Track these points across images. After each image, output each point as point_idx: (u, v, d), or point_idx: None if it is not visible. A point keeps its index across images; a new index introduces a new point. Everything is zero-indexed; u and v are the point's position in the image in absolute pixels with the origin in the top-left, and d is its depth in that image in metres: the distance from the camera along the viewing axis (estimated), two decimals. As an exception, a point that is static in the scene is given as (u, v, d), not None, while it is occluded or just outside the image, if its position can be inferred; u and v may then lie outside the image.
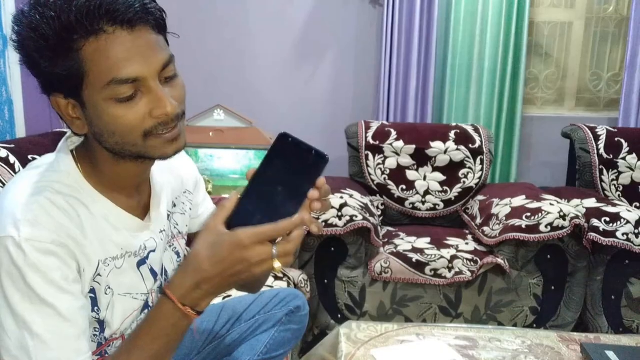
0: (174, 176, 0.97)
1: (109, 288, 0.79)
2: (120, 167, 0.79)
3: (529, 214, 1.96)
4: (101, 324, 0.79)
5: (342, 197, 2.00)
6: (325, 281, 2.00)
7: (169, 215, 0.93)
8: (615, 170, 2.38)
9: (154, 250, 0.87)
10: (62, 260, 0.71)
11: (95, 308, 0.78)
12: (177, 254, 0.96)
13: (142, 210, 0.87)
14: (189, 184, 1.03)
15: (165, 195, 0.92)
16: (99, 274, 0.77)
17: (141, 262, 0.85)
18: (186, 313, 0.69)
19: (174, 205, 0.96)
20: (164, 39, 0.77)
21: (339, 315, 2.01)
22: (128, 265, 0.82)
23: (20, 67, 2.04)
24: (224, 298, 1.58)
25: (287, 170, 0.68)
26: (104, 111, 0.72)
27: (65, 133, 0.84)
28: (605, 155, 2.39)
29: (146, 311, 0.86)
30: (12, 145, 1.53)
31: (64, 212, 0.73)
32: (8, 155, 1.48)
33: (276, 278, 1.77)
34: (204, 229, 0.68)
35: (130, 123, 0.72)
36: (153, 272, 0.87)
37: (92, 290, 0.77)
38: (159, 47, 0.74)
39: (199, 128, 2.42)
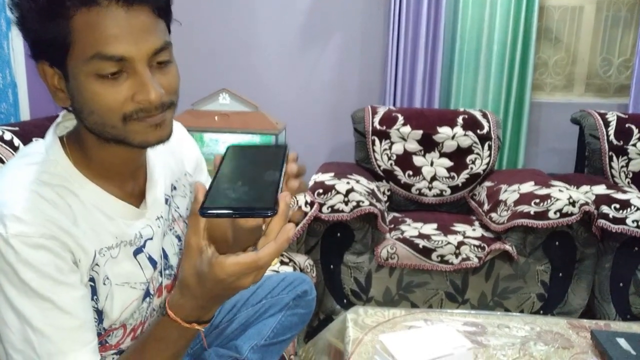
0: (174, 158, 0.94)
1: (107, 278, 0.77)
2: (107, 152, 0.76)
3: (537, 200, 1.94)
4: (99, 314, 0.77)
5: (348, 183, 1.98)
6: (331, 266, 1.99)
7: (168, 199, 0.90)
8: (625, 157, 2.35)
9: (151, 238, 0.84)
10: (55, 253, 0.68)
11: (95, 297, 0.76)
12: (178, 237, 0.94)
13: (138, 197, 0.84)
14: (189, 166, 0.99)
15: (164, 179, 0.90)
16: (96, 264, 0.75)
17: (137, 251, 0.82)
18: (194, 328, 0.71)
19: (174, 188, 0.93)
20: (165, 25, 0.74)
21: (345, 301, 2.01)
22: (124, 255, 0.80)
23: (24, 51, 2.02)
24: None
25: (251, 160, 0.68)
26: (85, 86, 0.69)
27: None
28: (615, 142, 2.36)
29: (147, 299, 0.84)
30: (17, 128, 1.51)
31: (52, 204, 0.70)
32: (12, 138, 1.47)
33: (282, 263, 1.76)
34: (186, 247, 0.66)
35: (109, 103, 0.69)
36: (152, 261, 0.85)
37: (92, 279, 0.75)
38: (155, 30, 0.70)
39: (204, 112, 2.40)
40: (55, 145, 0.76)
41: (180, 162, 0.96)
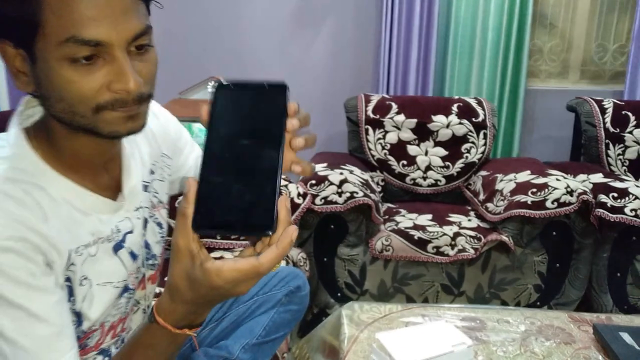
0: (148, 139, 0.87)
1: (85, 279, 0.71)
2: (77, 142, 0.70)
3: (534, 190, 1.90)
4: (78, 315, 0.72)
5: (341, 173, 1.93)
6: (325, 259, 1.94)
7: (147, 186, 0.84)
8: (622, 145, 2.32)
9: (131, 232, 0.78)
10: (24, 256, 0.62)
11: (71, 298, 0.70)
12: (159, 224, 0.88)
13: (114, 189, 0.78)
14: (165, 146, 0.92)
15: (141, 164, 0.83)
16: (72, 264, 0.69)
17: (117, 247, 0.76)
18: (184, 333, 0.65)
19: (152, 172, 0.87)
20: (145, 7, 0.67)
21: (339, 294, 1.97)
22: (103, 252, 0.74)
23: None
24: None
25: (244, 120, 0.56)
26: (55, 72, 0.62)
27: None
28: (611, 129, 2.32)
29: (126, 294, 0.79)
30: (-5, 118, 1.44)
31: (18, 202, 0.63)
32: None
33: (274, 256, 1.71)
34: (174, 249, 0.59)
35: (82, 91, 0.63)
36: (133, 255, 0.80)
37: (68, 279, 0.69)
38: (136, 13, 0.64)
39: (193, 101, 2.33)
40: (19, 137, 0.69)
41: (156, 143, 0.89)
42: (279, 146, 0.55)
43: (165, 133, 0.92)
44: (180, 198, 0.58)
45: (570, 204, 1.84)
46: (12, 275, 0.61)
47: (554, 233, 1.92)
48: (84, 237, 0.71)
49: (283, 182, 1.80)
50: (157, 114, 0.91)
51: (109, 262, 0.75)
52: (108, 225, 0.75)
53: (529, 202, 1.87)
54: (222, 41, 2.81)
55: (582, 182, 1.99)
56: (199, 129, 2.39)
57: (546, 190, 1.88)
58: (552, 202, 1.85)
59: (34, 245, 0.63)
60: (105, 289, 0.75)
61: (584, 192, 1.86)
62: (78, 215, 0.71)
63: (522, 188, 1.94)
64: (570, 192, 1.85)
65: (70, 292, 0.70)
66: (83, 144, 0.70)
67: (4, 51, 0.65)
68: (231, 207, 0.55)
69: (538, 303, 1.96)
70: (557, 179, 1.93)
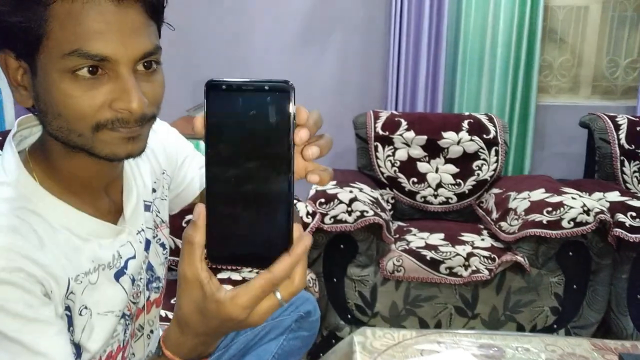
0: (148, 156, 0.82)
1: (85, 308, 0.67)
2: (75, 163, 0.66)
3: (549, 209, 1.84)
4: (77, 347, 0.67)
5: (351, 191, 1.89)
6: (334, 280, 1.89)
7: (149, 206, 0.80)
8: (637, 162, 2.26)
9: (133, 257, 0.74)
10: (20, 287, 0.58)
11: (70, 329, 0.66)
12: (162, 245, 0.84)
13: (115, 212, 0.74)
14: (165, 163, 0.87)
15: (142, 184, 0.79)
16: (72, 292, 0.65)
17: (119, 274, 0.72)
18: None
19: (154, 191, 0.83)
20: (156, 28, 0.64)
21: (349, 316, 1.91)
22: (104, 279, 0.70)
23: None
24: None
25: (245, 133, 0.47)
26: (55, 85, 0.59)
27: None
28: (626, 146, 2.27)
29: (122, 321, 0.74)
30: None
31: (12, 230, 0.59)
32: (-7, 149, 1.37)
33: (282, 278, 1.66)
34: (182, 280, 0.53)
35: (81, 108, 0.59)
36: (135, 281, 0.75)
37: (68, 308, 0.65)
38: (146, 32, 0.61)
39: (200, 119, 2.30)
40: (13, 160, 0.65)
41: (155, 160, 0.85)
42: (289, 164, 0.48)
43: (164, 149, 0.88)
44: (188, 218, 0.53)
45: (587, 223, 1.79)
46: (8, 308, 0.57)
47: (571, 253, 1.87)
48: (84, 264, 0.67)
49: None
50: (156, 129, 0.87)
51: (110, 290, 0.71)
52: (109, 251, 0.71)
53: (545, 222, 1.82)
54: (230, 58, 2.79)
55: (599, 201, 1.93)
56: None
57: (562, 209, 1.83)
58: (569, 222, 1.79)
59: (31, 275, 0.59)
60: (106, 318, 0.70)
61: (602, 212, 1.80)
62: (77, 241, 0.67)
63: (536, 207, 1.88)
64: (587, 211, 1.80)
65: (70, 322, 0.66)
66: (82, 165, 0.66)
67: (6, 63, 0.62)
68: (244, 238, 0.50)
69: (555, 326, 1.89)
70: (573, 198, 1.87)
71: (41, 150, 0.67)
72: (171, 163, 0.89)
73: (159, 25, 0.66)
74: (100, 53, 0.58)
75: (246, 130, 0.47)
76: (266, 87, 0.47)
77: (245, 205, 0.49)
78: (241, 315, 0.52)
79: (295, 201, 1.71)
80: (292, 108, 0.48)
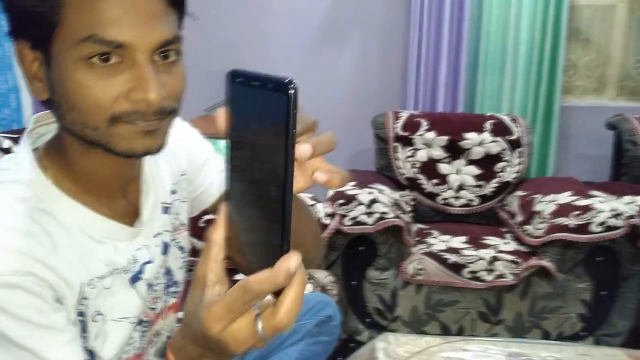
0: (167, 156, 0.78)
1: (99, 314, 0.64)
2: (92, 160, 0.63)
3: (577, 212, 1.78)
4: (91, 354, 0.64)
5: (371, 193, 1.85)
6: (353, 283, 1.85)
7: (168, 208, 0.76)
8: (668, 164, 2.19)
9: (149, 262, 0.70)
10: (31, 292, 0.55)
11: (84, 335, 0.63)
12: (181, 248, 0.80)
13: (132, 214, 0.70)
14: (185, 163, 0.83)
15: (160, 186, 0.75)
16: (84, 298, 0.62)
17: (135, 278, 0.69)
18: None
19: (173, 192, 0.79)
20: (177, 18, 0.61)
21: (368, 320, 1.86)
22: (119, 284, 0.66)
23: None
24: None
25: (254, 133, 0.43)
26: (70, 75, 0.56)
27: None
28: (656, 148, 2.19)
29: (138, 327, 0.71)
30: (17, 136, 1.40)
31: (24, 232, 0.56)
32: (10, 147, 1.36)
33: (301, 280, 1.62)
34: (194, 279, 0.48)
35: (96, 98, 0.55)
36: (152, 287, 0.72)
37: (81, 314, 0.62)
38: (165, 20, 0.57)
39: (222, 115, 2.28)
40: (27, 159, 0.62)
41: (175, 160, 0.81)
42: (284, 175, 0.42)
43: (186, 149, 0.84)
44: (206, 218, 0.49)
45: (617, 227, 1.72)
46: (17, 314, 0.54)
47: (599, 258, 1.80)
48: (98, 268, 0.64)
49: (310, 202, 1.72)
50: (177, 129, 0.84)
51: (125, 295, 0.68)
52: (124, 255, 0.67)
53: (572, 226, 1.76)
54: (247, 56, 2.76)
55: (628, 205, 1.87)
56: (225, 145, 2.33)
57: (590, 212, 1.76)
58: (597, 226, 1.73)
59: (42, 280, 0.56)
60: (120, 324, 0.67)
61: (632, 216, 1.73)
62: (91, 243, 0.63)
63: (563, 210, 1.82)
64: (617, 215, 1.73)
65: (83, 329, 0.63)
66: (98, 163, 0.63)
67: (22, 54, 0.59)
68: (244, 245, 0.46)
69: (582, 333, 1.83)
70: (602, 201, 1.81)
71: (57, 148, 0.64)
72: (192, 165, 0.86)
73: (181, 15, 0.62)
74: (116, 39, 0.54)
75: (255, 126, 0.44)
76: (269, 84, 0.42)
77: (247, 209, 0.45)
78: (214, 327, 0.45)
79: (313, 202, 1.63)
80: (289, 115, 0.42)
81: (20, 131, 1.43)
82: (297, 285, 0.44)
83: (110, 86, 0.55)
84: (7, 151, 1.34)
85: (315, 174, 0.51)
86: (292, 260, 0.43)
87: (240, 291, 0.43)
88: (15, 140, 1.36)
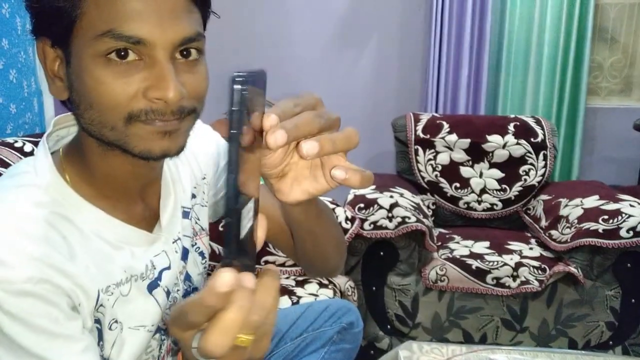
0: (188, 160, 0.77)
1: (116, 322, 0.62)
2: (110, 162, 0.61)
3: (606, 217, 1.72)
4: None
5: (392, 197, 1.81)
6: (374, 288, 1.81)
7: (187, 212, 0.75)
8: (700, 167, 2.11)
9: (167, 268, 0.69)
10: (46, 300, 0.53)
11: (100, 343, 0.61)
12: (202, 254, 0.79)
13: (150, 219, 0.68)
14: (206, 167, 0.81)
15: (180, 189, 0.74)
16: (101, 305, 0.60)
17: (153, 285, 0.67)
18: None
19: (193, 197, 0.77)
20: (200, 17, 0.59)
21: (389, 326, 1.83)
22: (137, 291, 0.65)
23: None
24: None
25: (236, 126, 0.40)
26: (89, 71, 0.54)
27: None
28: (687, 150, 2.12)
29: (157, 336, 0.69)
30: (39, 140, 1.40)
31: (40, 238, 0.55)
32: (33, 150, 1.36)
33: (321, 285, 1.60)
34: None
35: (113, 95, 0.54)
36: (170, 294, 0.70)
37: (98, 321, 0.61)
38: (186, 16, 0.56)
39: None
40: (46, 162, 0.61)
41: (197, 164, 0.79)
42: (227, 174, 0.40)
43: (207, 152, 0.82)
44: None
45: (647, 233, 1.66)
46: (31, 322, 0.53)
47: (629, 265, 1.74)
48: (116, 274, 0.62)
49: (330, 206, 1.70)
50: (198, 132, 0.82)
51: (142, 302, 0.66)
52: (142, 261, 0.66)
53: (600, 231, 1.70)
54: (266, 59, 2.75)
55: (659, 209, 1.80)
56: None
57: (619, 217, 1.70)
58: (628, 231, 1.67)
59: (57, 287, 0.55)
60: (137, 333, 0.65)
61: (664, 220, 1.67)
62: (109, 249, 0.62)
63: (591, 214, 1.77)
64: (648, 220, 1.67)
65: (100, 337, 0.61)
66: (116, 165, 0.61)
67: (44, 52, 0.59)
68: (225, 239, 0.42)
69: (611, 342, 1.77)
70: (632, 205, 1.75)
71: (76, 150, 0.63)
72: (213, 168, 0.84)
73: (204, 15, 0.61)
74: (135, 35, 0.53)
75: (236, 125, 0.41)
76: (237, 78, 0.40)
77: (227, 205, 0.41)
78: (171, 328, 0.43)
79: (333, 207, 1.57)
80: (235, 100, 0.39)
81: (42, 135, 1.44)
82: (233, 308, 0.38)
83: (128, 83, 0.54)
84: (29, 155, 1.35)
85: (332, 171, 0.48)
86: (220, 279, 0.37)
87: (193, 298, 0.40)
88: (38, 145, 1.37)
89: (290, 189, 0.53)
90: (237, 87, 0.39)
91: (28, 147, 1.38)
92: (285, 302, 1.48)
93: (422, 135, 2.19)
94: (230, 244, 0.40)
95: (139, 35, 0.53)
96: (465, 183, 2.17)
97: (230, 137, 0.39)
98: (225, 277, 0.37)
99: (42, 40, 0.58)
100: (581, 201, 1.87)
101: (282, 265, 1.65)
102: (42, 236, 0.55)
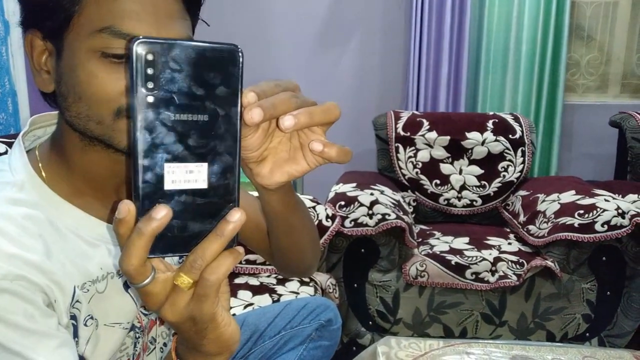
0: None
1: (91, 318, 0.62)
2: (89, 157, 0.62)
3: (581, 212, 1.76)
4: (82, 359, 0.62)
5: (372, 194, 1.83)
6: (355, 285, 1.82)
7: None
8: (673, 162, 2.16)
9: None
10: (21, 297, 0.53)
11: (75, 339, 0.61)
12: None
13: None
14: None
15: None
16: (77, 301, 0.61)
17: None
18: None
19: None
20: (190, 23, 0.62)
21: (370, 322, 1.84)
22: (113, 288, 0.65)
23: (24, 56, 1.90)
24: (244, 308, 1.42)
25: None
26: (82, 65, 0.56)
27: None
28: (660, 146, 2.17)
29: (131, 334, 0.69)
30: (14, 140, 1.38)
31: (16, 235, 0.55)
32: (7, 151, 1.34)
33: (302, 283, 1.60)
34: None
35: (105, 90, 0.56)
36: None
37: (74, 317, 0.61)
38: (181, 21, 0.59)
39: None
40: (21, 160, 0.61)
41: None
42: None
43: None
44: None
45: (622, 226, 1.69)
46: (7, 319, 0.53)
47: (604, 258, 1.77)
48: (92, 270, 0.63)
49: (310, 204, 1.71)
50: None
51: (119, 300, 0.66)
52: (118, 258, 0.66)
53: (576, 225, 1.73)
54: (248, 58, 2.75)
55: (633, 203, 1.84)
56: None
57: (594, 211, 1.74)
58: (602, 225, 1.70)
59: (33, 284, 0.55)
60: (112, 330, 0.66)
61: (637, 214, 1.71)
62: (85, 246, 0.62)
63: (567, 209, 1.80)
64: (622, 214, 1.70)
65: (75, 333, 0.61)
66: (96, 161, 0.62)
67: (32, 44, 0.59)
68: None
69: (587, 334, 1.80)
70: (606, 200, 1.78)
71: (54, 147, 0.64)
72: None
73: (194, 22, 0.64)
74: (132, 33, 0.55)
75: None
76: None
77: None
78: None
79: (313, 204, 1.61)
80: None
81: (17, 135, 1.42)
82: (136, 233, 0.42)
83: (121, 80, 0.56)
84: (4, 155, 1.33)
85: (310, 144, 0.50)
86: (122, 206, 0.42)
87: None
88: (11, 145, 1.35)
89: (271, 172, 0.54)
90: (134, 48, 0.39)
91: (2, 148, 1.36)
92: (266, 300, 1.48)
93: (402, 133, 2.21)
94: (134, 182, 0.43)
95: (136, 34, 0.54)
96: (445, 180, 2.19)
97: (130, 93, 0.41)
98: (121, 207, 0.42)
99: (31, 32, 0.59)
100: (558, 196, 1.90)
101: (263, 264, 1.66)
102: (18, 233, 0.55)
